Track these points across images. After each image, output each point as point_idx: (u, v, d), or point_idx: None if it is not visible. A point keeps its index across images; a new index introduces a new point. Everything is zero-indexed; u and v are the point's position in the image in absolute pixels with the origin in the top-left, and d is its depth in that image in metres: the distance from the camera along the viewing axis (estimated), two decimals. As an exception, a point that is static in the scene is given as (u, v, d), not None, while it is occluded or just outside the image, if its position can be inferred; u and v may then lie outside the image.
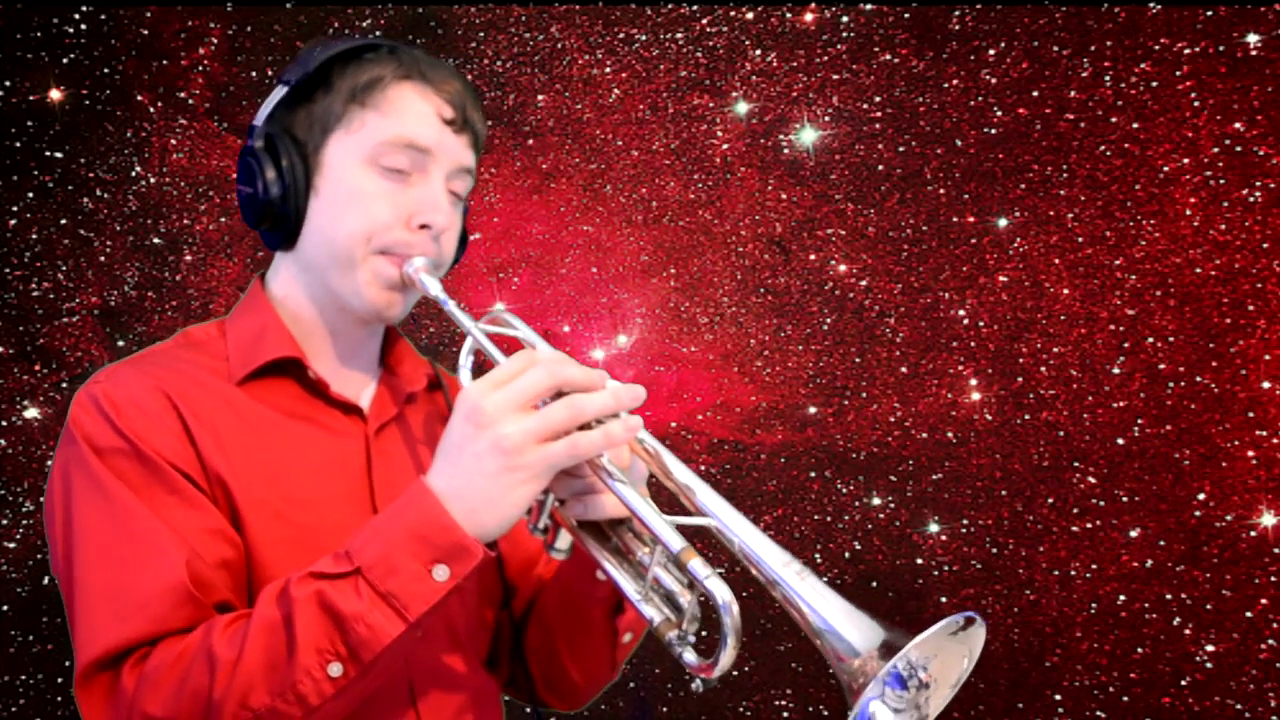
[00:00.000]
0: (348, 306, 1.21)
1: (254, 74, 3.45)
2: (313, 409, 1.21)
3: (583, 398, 0.98)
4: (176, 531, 1.04)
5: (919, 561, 3.55)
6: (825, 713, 3.53)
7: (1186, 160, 3.36)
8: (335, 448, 1.20)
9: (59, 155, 3.32)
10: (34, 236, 3.33)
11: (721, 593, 0.93)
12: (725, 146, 3.60)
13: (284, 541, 1.10)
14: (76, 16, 3.28)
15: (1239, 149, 3.31)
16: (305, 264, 1.22)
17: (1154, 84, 3.34)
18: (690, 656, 0.98)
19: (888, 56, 3.48)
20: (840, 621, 0.90)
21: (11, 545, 3.31)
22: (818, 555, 3.62)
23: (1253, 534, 3.32)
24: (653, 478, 1.07)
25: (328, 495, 1.16)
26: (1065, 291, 3.47)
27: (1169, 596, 3.38)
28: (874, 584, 3.42)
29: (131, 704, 0.98)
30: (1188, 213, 3.38)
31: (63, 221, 3.35)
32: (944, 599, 3.50)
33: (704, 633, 1.01)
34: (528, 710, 1.33)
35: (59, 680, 3.29)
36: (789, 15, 3.50)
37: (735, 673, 3.62)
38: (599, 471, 1.02)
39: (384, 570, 0.96)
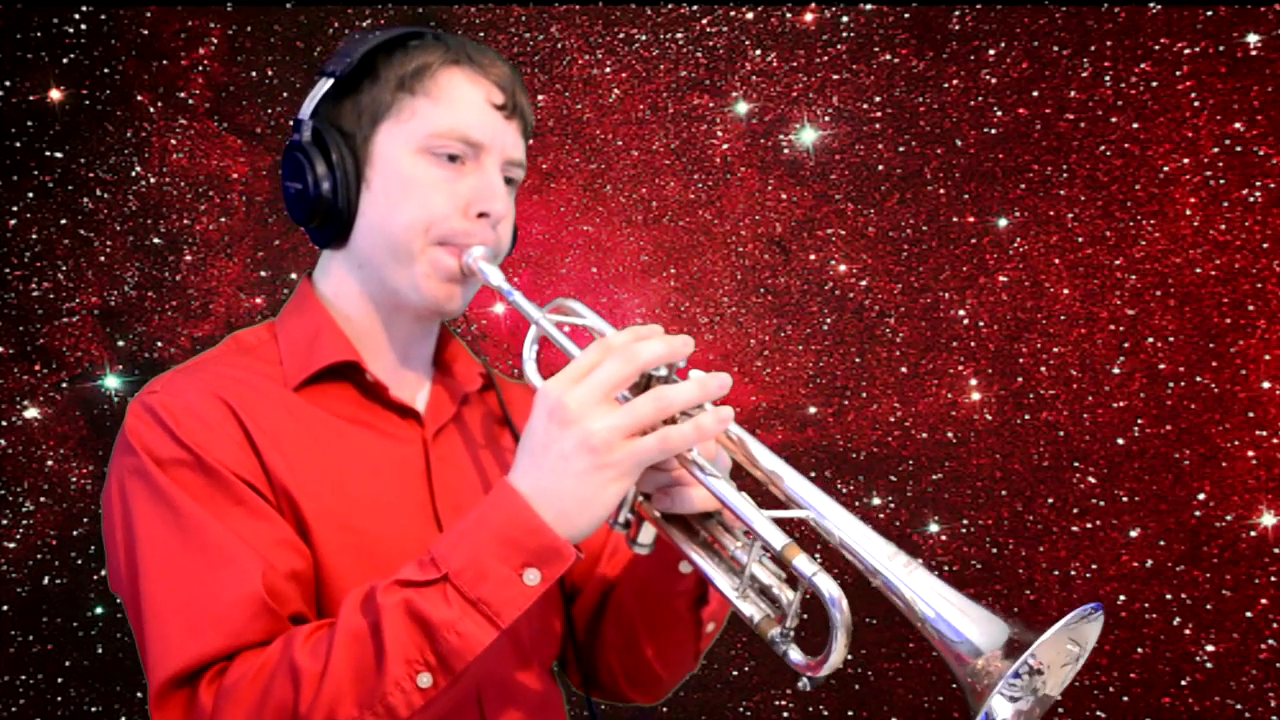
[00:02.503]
0: (405, 302, 1.18)
1: (254, 74, 3.45)
2: (370, 413, 1.18)
3: (669, 390, 0.95)
4: (247, 542, 1.01)
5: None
6: (825, 713, 3.53)
7: (1186, 160, 3.36)
8: (394, 454, 1.17)
9: (59, 155, 3.32)
10: (34, 236, 3.33)
11: (830, 589, 0.89)
12: (725, 146, 3.60)
13: (351, 551, 1.07)
14: (76, 16, 3.28)
15: (1239, 149, 3.31)
16: (359, 260, 1.19)
17: (1154, 84, 3.34)
18: (796, 655, 0.94)
19: (888, 56, 3.48)
20: (959, 620, 0.86)
21: (11, 545, 3.31)
22: (818, 555, 3.62)
23: (1253, 534, 3.31)
24: (737, 466, 1.02)
25: (390, 503, 1.13)
26: (1065, 291, 3.47)
27: (1169, 596, 3.38)
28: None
29: None
30: (1188, 213, 3.38)
31: (63, 221, 3.35)
32: (944, 599, 3.49)
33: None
34: (579, 689, 1.30)
35: (59, 680, 3.29)
36: (789, 15, 3.50)
37: (735, 673, 3.61)
38: (688, 465, 0.98)
39: (473, 576, 0.92)
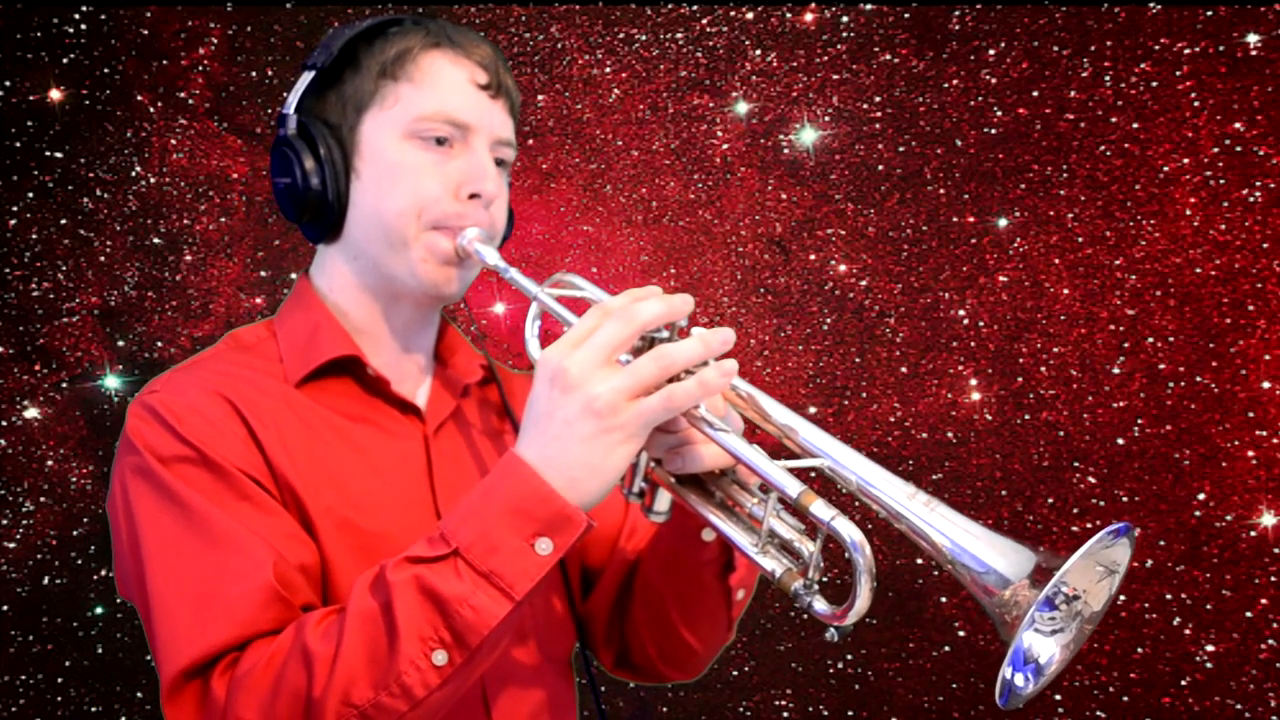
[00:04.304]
0: (403, 290, 1.17)
1: (254, 74, 3.45)
2: (371, 409, 1.17)
3: (671, 348, 0.94)
4: (257, 534, 0.99)
5: (919, 561, 3.55)
6: (825, 713, 3.53)
7: (1186, 160, 3.36)
8: (395, 450, 1.16)
9: (59, 155, 3.32)
10: (34, 236, 3.33)
11: (850, 533, 0.88)
12: (725, 146, 3.60)
13: (353, 549, 1.06)
14: (76, 16, 3.28)
15: (1239, 149, 3.30)
16: (354, 252, 1.18)
17: (1154, 84, 3.34)
18: (821, 605, 0.92)
19: (888, 56, 3.48)
20: (983, 551, 0.84)
21: (11, 545, 3.30)
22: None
23: (1253, 534, 3.31)
24: (750, 424, 1.01)
25: (391, 500, 1.12)
26: (1065, 291, 3.47)
27: (1169, 596, 3.38)
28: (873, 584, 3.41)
29: (225, 712, 0.93)
30: (1188, 213, 3.38)
31: (63, 221, 3.35)
32: (944, 599, 3.50)
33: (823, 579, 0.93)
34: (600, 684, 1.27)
35: (59, 680, 3.29)
36: (789, 15, 3.50)
37: (735, 673, 3.61)
38: (697, 422, 0.96)
39: (484, 549, 0.91)
